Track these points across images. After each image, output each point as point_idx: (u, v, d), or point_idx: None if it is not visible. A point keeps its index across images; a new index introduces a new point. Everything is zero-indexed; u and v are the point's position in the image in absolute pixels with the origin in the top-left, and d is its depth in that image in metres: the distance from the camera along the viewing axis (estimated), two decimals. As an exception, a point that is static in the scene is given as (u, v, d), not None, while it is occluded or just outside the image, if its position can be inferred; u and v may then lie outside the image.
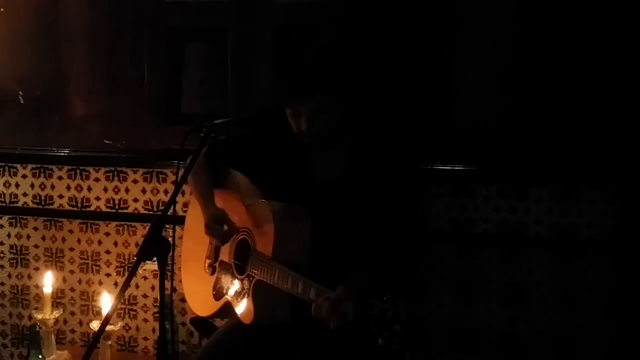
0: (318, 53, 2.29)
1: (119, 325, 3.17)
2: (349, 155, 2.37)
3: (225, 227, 2.45)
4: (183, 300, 2.94)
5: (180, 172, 2.18)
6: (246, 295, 2.35)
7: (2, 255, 3.53)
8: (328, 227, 2.29)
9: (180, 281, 2.80)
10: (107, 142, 3.34)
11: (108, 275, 3.42)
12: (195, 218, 2.65)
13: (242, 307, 2.36)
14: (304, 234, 2.30)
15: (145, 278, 3.37)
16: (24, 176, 3.47)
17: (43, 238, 3.48)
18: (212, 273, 2.55)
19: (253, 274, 2.34)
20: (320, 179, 2.39)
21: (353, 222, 2.30)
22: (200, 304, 2.59)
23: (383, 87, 3.00)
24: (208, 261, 2.59)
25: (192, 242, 2.68)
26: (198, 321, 2.71)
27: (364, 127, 2.46)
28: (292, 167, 2.43)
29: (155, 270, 2.83)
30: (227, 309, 2.45)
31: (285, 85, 2.27)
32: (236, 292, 2.40)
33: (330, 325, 2.02)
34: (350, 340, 2.24)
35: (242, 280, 2.39)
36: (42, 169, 3.44)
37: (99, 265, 3.43)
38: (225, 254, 2.51)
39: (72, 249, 3.45)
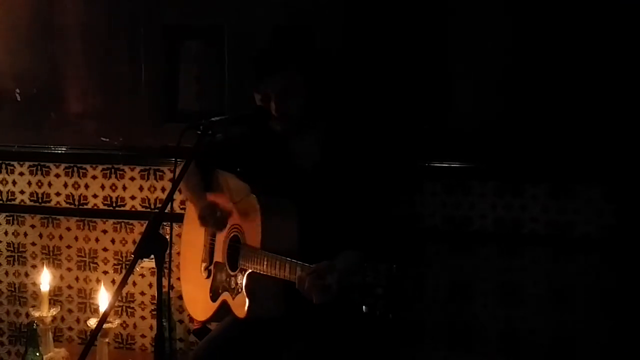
0: (280, 37, 2.37)
1: (116, 322, 3.18)
2: (324, 141, 2.43)
3: (219, 213, 2.48)
4: (180, 297, 2.94)
5: (178, 170, 2.19)
6: (240, 290, 2.36)
7: (-1, 253, 3.54)
8: (312, 212, 2.33)
9: (179, 279, 2.80)
10: (104, 139, 3.35)
11: (105, 272, 3.42)
12: (190, 228, 2.67)
13: (237, 302, 2.38)
14: (290, 223, 2.34)
15: (142, 275, 3.37)
16: (21, 174, 3.47)
17: (40, 236, 3.48)
18: (208, 276, 2.57)
19: (245, 267, 2.36)
20: (299, 165, 2.46)
21: (334, 206, 2.34)
22: (199, 308, 2.61)
23: (366, 78, 3.01)
24: (204, 264, 2.61)
25: (189, 251, 2.71)
26: (200, 332, 2.72)
27: (338, 113, 2.52)
28: (275, 158, 2.49)
29: (153, 268, 2.84)
30: (224, 309, 2.47)
31: (253, 69, 2.37)
32: (231, 288, 2.42)
33: (313, 299, 2.04)
34: (345, 330, 2.26)
35: (235, 276, 2.41)
36: (39, 167, 3.45)
37: (96, 263, 3.43)
38: (219, 254, 2.53)
39: (69, 247, 3.45)
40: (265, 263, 2.26)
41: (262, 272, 2.28)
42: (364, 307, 1.89)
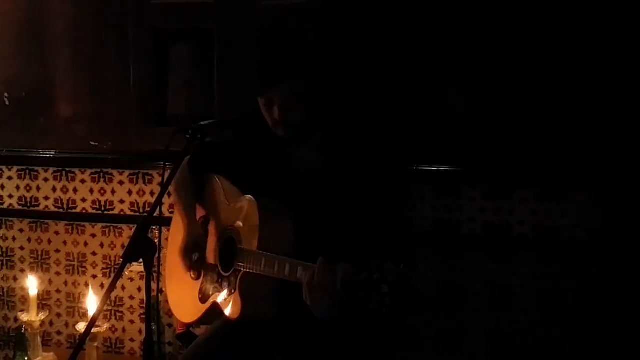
0: (286, 43, 2.34)
1: (105, 326, 3.17)
2: (325, 148, 2.42)
3: (195, 257, 2.50)
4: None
5: (167, 174, 2.19)
6: (233, 291, 2.36)
7: (-13, 257, 3.53)
8: (309, 218, 2.32)
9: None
10: (92, 143, 3.34)
11: (94, 276, 3.41)
12: (178, 229, 2.66)
13: (229, 304, 2.37)
14: (288, 225, 2.33)
15: (131, 279, 3.37)
16: (10, 178, 3.46)
17: (29, 240, 3.47)
18: (198, 277, 2.56)
19: (239, 268, 2.35)
20: (299, 172, 2.44)
21: (332, 213, 2.33)
22: (186, 310, 2.60)
23: (361, 83, 3.02)
24: None
25: (177, 252, 2.68)
26: (184, 336, 2.71)
27: (338, 119, 2.52)
28: (272, 162, 2.47)
29: (142, 272, 2.84)
30: (213, 311, 2.46)
31: (257, 75, 2.32)
32: (223, 289, 2.41)
33: (320, 303, 2.03)
34: (337, 333, 2.26)
35: (228, 277, 2.41)
36: (27, 171, 3.44)
37: (85, 267, 3.42)
38: (211, 256, 2.53)
39: (58, 251, 3.44)
40: (263, 263, 2.25)
41: (258, 273, 2.27)
42: (369, 304, 1.87)
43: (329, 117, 2.47)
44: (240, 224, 2.42)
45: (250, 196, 2.39)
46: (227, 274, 2.42)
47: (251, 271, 2.30)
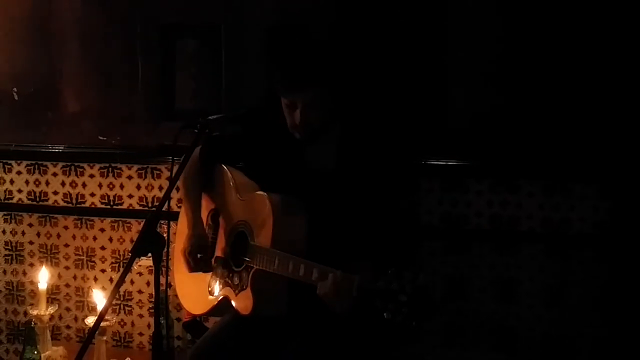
0: (314, 48, 2.33)
1: (114, 321, 3.18)
2: (341, 144, 2.41)
3: (199, 256, 2.49)
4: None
5: (175, 168, 2.19)
6: (244, 287, 2.36)
7: (-3, 251, 3.55)
8: (323, 214, 2.32)
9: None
10: (101, 138, 3.35)
11: (103, 271, 3.43)
12: (186, 221, 2.66)
13: (240, 299, 2.37)
14: (301, 223, 2.33)
15: (140, 274, 3.38)
16: (19, 172, 3.47)
17: (38, 234, 3.48)
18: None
19: (252, 265, 2.35)
20: (313, 167, 2.43)
21: (346, 209, 2.32)
22: (195, 302, 2.60)
23: (375, 81, 3.01)
24: None
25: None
26: (191, 324, 2.71)
27: (354, 116, 2.51)
28: (286, 157, 2.46)
29: (150, 266, 2.84)
30: (223, 305, 2.46)
31: (282, 77, 2.30)
32: (234, 284, 2.41)
33: (335, 307, 2.04)
34: (346, 331, 2.26)
35: (239, 273, 2.40)
36: (36, 166, 3.45)
37: (94, 262, 3.44)
38: (221, 249, 2.53)
39: (67, 245, 3.46)
40: (276, 262, 2.25)
41: (271, 271, 2.27)
42: (385, 313, 1.88)
43: (346, 115, 2.47)
44: (252, 219, 2.42)
45: (263, 192, 2.39)
46: (238, 270, 2.41)
47: (264, 269, 2.30)
